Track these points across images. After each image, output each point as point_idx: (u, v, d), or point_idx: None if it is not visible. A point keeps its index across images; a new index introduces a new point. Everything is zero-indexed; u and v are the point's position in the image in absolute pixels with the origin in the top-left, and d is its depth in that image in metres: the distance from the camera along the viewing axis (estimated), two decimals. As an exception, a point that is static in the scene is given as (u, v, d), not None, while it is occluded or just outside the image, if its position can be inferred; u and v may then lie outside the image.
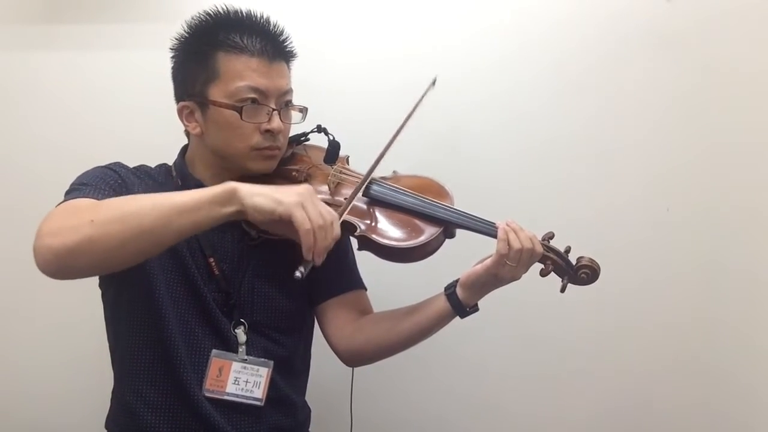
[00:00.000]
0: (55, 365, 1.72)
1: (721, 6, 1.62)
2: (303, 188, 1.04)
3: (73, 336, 1.69)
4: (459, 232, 1.24)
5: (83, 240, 0.97)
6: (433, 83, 1.33)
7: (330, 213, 1.04)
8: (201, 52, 1.20)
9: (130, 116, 1.66)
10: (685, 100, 1.64)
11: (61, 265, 0.99)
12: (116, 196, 1.10)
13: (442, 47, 1.65)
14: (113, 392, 1.26)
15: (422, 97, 1.28)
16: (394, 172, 1.32)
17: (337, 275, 1.31)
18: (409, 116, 1.25)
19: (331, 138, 1.29)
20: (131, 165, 1.26)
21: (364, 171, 1.22)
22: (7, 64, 1.68)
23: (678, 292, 1.66)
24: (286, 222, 1.00)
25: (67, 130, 1.67)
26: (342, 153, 1.31)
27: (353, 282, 1.34)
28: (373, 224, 1.20)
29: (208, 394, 1.18)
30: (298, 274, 1.02)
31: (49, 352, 1.72)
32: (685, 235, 1.65)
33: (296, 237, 1.01)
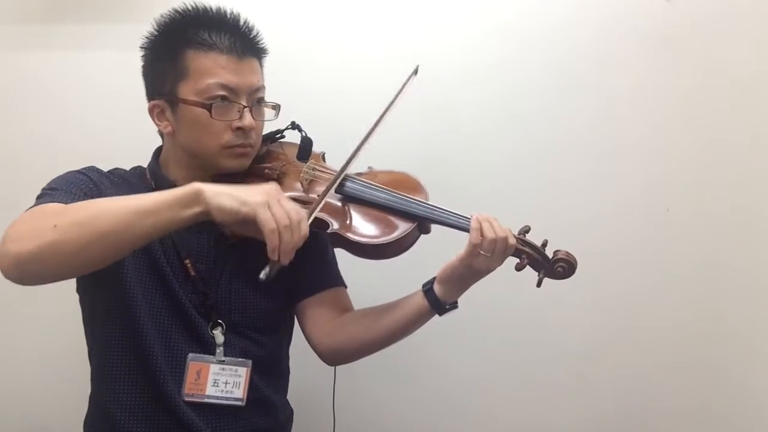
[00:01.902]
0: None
1: (721, 6, 1.62)
2: (269, 187, 1.02)
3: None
4: (439, 228, 1.22)
5: (45, 245, 0.96)
6: (415, 72, 1.31)
7: (297, 212, 1.01)
8: (170, 50, 1.18)
9: (130, 116, 1.65)
10: (685, 100, 1.64)
11: (23, 270, 0.98)
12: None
13: (442, 47, 1.65)
14: (91, 395, 1.24)
15: (403, 85, 1.27)
16: (369, 167, 1.30)
17: (316, 273, 1.30)
18: (390, 105, 1.24)
19: (304, 134, 1.28)
20: (129, 166, 1.26)
21: (340, 167, 1.20)
22: (7, 64, 1.68)
23: (678, 293, 1.66)
24: (251, 222, 0.99)
25: (67, 130, 1.67)
26: (320, 150, 1.30)
27: (333, 280, 1.32)
28: (346, 221, 1.19)
29: (188, 399, 1.18)
30: (262, 276, 1.01)
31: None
32: (685, 235, 1.65)
33: (262, 237, 1.00)
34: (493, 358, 1.70)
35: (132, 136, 1.63)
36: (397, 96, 1.25)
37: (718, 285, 1.66)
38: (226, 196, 0.99)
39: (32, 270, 0.98)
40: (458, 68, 1.65)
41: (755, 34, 1.62)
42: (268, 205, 0.99)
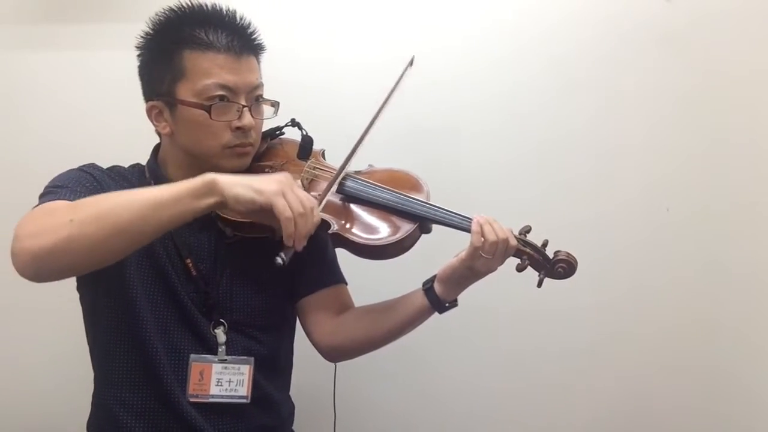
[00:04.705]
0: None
1: (721, 6, 1.62)
2: (282, 176, 1.03)
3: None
4: (440, 227, 1.21)
5: (62, 240, 0.95)
6: (411, 63, 1.30)
7: (309, 200, 1.02)
8: (166, 50, 1.17)
9: (130, 116, 1.65)
10: (685, 100, 1.64)
11: (40, 267, 0.98)
12: None
13: (442, 47, 1.65)
14: (93, 396, 1.24)
15: (400, 77, 1.26)
16: (369, 165, 1.30)
17: (317, 271, 1.30)
18: (388, 98, 1.23)
19: (304, 133, 1.27)
20: (130, 165, 1.26)
21: (339, 165, 1.20)
22: (7, 64, 1.68)
23: (678, 293, 1.66)
24: (266, 211, 0.99)
25: (67, 130, 1.67)
26: (319, 147, 1.29)
27: (333, 277, 1.32)
28: (347, 221, 1.19)
29: (192, 399, 1.17)
30: (279, 260, 1.01)
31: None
32: (685, 236, 1.65)
33: (276, 224, 1.01)
34: (494, 358, 1.70)
35: (132, 135, 1.63)
36: (394, 88, 1.24)
37: (718, 285, 1.66)
38: (241, 186, 0.99)
39: (48, 266, 0.98)
40: (458, 68, 1.65)
41: (755, 34, 1.62)
42: (282, 193, 0.99)
